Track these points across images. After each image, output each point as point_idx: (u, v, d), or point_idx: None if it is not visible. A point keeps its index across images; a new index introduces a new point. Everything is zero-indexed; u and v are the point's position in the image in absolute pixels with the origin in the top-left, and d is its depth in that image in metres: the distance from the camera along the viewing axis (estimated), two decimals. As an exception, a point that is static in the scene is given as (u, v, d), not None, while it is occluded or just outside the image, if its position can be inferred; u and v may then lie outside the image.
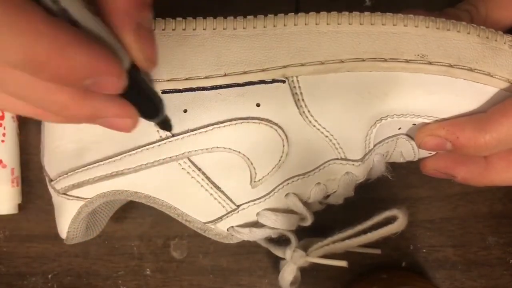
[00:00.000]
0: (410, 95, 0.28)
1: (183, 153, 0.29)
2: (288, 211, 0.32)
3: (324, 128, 0.29)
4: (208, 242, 0.39)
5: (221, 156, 0.29)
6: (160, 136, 0.29)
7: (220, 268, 0.40)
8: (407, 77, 0.28)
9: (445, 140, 0.28)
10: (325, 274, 0.39)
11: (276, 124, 0.29)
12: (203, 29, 0.29)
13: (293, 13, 0.29)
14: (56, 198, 0.32)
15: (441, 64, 0.28)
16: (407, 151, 0.33)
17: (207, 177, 0.30)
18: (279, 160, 0.30)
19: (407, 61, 0.28)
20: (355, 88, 0.28)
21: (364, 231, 0.33)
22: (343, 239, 0.33)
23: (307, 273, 0.38)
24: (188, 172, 0.30)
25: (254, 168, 0.30)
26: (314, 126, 0.29)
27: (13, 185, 0.38)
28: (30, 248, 0.39)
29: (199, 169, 0.30)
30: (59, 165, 0.31)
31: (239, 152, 0.29)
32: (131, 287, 0.40)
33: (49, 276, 0.40)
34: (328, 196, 0.33)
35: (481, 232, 0.39)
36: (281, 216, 0.31)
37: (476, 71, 0.28)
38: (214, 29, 0.29)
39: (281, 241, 0.34)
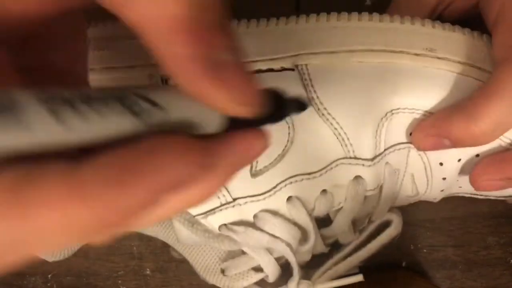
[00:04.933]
0: (420, 89, 0.28)
1: None
2: (290, 221, 0.30)
3: (334, 118, 0.28)
4: (208, 242, 0.39)
5: None
6: None
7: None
8: (416, 70, 0.28)
9: (440, 137, 0.27)
10: (325, 274, 0.39)
11: None
12: None
13: (304, 14, 0.29)
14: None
15: (450, 60, 0.28)
16: (418, 172, 0.31)
17: None
18: (283, 150, 0.29)
19: (416, 54, 0.28)
20: (365, 78, 0.28)
21: (363, 244, 0.32)
22: (344, 258, 0.32)
23: (307, 273, 0.38)
24: None
25: None
26: (323, 114, 0.28)
27: (13, 184, 0.37)
28: (30, 248, 0.39)
29: None
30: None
31: None
32: (131, 287, 0.40)
33: (49, 276, 0.40)
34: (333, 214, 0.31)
35: (481, 232, 0.39)
36: (281, 221, 0.29)
37: (484, 70, 0.28)
38: None
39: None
